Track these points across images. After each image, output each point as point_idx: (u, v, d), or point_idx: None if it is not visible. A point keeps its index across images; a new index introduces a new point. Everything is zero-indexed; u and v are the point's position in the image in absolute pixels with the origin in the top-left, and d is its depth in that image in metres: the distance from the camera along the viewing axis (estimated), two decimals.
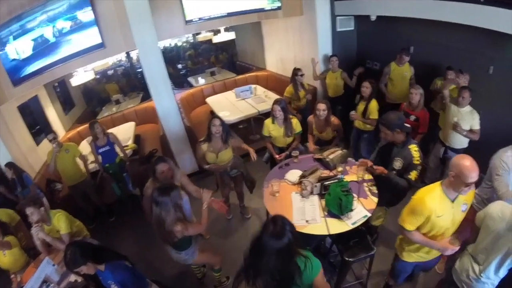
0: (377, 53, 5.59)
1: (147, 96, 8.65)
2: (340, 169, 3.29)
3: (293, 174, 3.34)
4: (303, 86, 5.28)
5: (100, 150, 4.70)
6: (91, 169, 4.95)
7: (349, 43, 6.04)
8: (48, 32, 4.34)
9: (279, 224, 1.82)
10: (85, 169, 4.82)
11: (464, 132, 3.55)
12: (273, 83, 7.54)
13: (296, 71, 5.12)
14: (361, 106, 4.29)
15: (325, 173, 3.31)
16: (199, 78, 9.21)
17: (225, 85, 7.98)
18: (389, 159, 2.96)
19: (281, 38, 7.11)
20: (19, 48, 4.32)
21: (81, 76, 5.67)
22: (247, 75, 8.36)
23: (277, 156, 4.04)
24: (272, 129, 3.97)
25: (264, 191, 3.23)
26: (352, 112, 4.27)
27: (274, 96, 6.29)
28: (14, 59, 4.38)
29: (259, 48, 8.38)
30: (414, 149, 2.79)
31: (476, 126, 3.53)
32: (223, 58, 10.60)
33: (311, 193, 3.01)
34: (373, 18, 5.11)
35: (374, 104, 4.20)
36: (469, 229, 2.42)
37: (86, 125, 7.06)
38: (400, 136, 2.82)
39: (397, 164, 2.86)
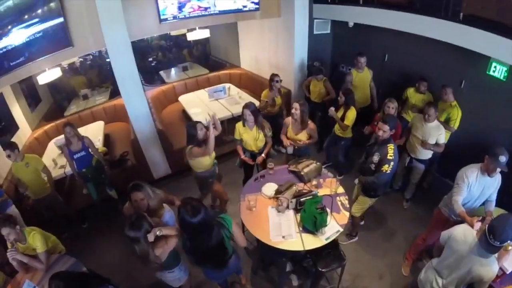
0: (351, 59, 5.68)
1: (116, 91, 8.35)
2: (314, 183, 3.37)
3: (269, 188, 3.39)
4: (280, 92, 5.22)
5: (75, 156, 4.39)
6: (57, 176, 4.64)
7: (324, 46, 6.11)
8: (9, 30, 4.04)
9: (192, 204, 2.17)
10: (49, 183, 4.42)
11: (431, 147, 3.74)
12: (247, 82, 7.48)
13: (273, 76, 5.05)
14: (339, 113, 4.43)
15: (300, 186, 3.37)
16: (171, 73, 8.93)
17: (197, 82, 7.80)
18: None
19: (257, 37, 7.05)
20: None
21: (48, 74, 5.34)
22: (220, 72, 8.19)
23: (246, 159, 4.07)
24: (243, 132, 3.98)
25: (241, 205, 3.26)
26: (332, 108, 4.36)
27: (248, 98, 6.26)
28: None
29: (234, 45, 8.25)
30: (390, 147, 3.07)
31: (442, 140, 3.73)
32: (196, 52, 10.31)
33: (287, 208, 3.07)
34: (351, 24, 5.23)
35: (352, 113, 4.34)
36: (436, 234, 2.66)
37: (53, 123, 6.76)
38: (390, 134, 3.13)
39: (375, 158, 3.16)
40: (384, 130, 3.07)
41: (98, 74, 10.50)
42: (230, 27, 7.87)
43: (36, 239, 3.08)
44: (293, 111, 3.85)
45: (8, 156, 4.06)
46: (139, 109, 4.96)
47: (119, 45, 4.47)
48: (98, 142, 5.63)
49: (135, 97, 4.88)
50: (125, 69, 4.66)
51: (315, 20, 5.70)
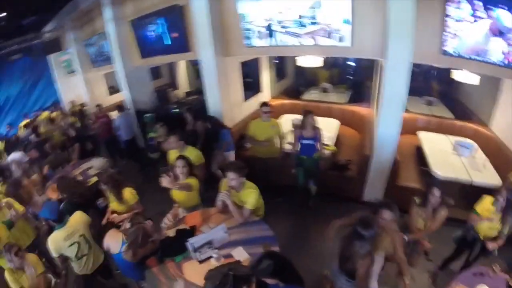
0: None
1: (354, 97, 8.92)
2: None
3: None
4: None
5: (303, 141, 4.94)
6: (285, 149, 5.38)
7: None
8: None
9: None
10: (280, 149, 5.24)
11: None
12: (493, 151, 6.06)
13: None
14: None
15: None
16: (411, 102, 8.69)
17: (441, 124, 7.19)
18: None
19: None
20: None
21: (309, 59, 6.06)
22: (467, 124, 7.07)
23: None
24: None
25: None
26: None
27: (492, 171, 5.39)
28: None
29: (489, 98, 6.62)
30: None
31: None
32: (443, 89, 9.61)
33: None
34: None
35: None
36: None
37: (291, 101, 7.94)
38: None
39: None
40: None
41: (339, 74, 11.27)
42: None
43: (251, 196, 3.62)
44: None
45: (264, 113, 5.01)
46: (391, 131, 5.13)
47: (399, 62, 4.54)
48: (329, 140, 6.15)
49: (392, 119, 5.06)
50: (395, 87, 4.77)
51: None
